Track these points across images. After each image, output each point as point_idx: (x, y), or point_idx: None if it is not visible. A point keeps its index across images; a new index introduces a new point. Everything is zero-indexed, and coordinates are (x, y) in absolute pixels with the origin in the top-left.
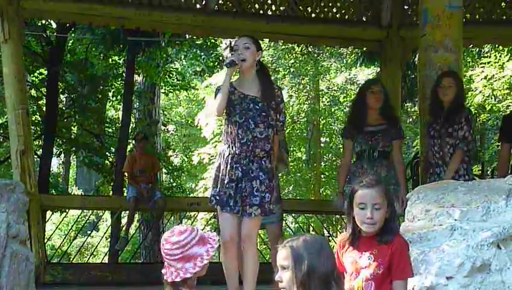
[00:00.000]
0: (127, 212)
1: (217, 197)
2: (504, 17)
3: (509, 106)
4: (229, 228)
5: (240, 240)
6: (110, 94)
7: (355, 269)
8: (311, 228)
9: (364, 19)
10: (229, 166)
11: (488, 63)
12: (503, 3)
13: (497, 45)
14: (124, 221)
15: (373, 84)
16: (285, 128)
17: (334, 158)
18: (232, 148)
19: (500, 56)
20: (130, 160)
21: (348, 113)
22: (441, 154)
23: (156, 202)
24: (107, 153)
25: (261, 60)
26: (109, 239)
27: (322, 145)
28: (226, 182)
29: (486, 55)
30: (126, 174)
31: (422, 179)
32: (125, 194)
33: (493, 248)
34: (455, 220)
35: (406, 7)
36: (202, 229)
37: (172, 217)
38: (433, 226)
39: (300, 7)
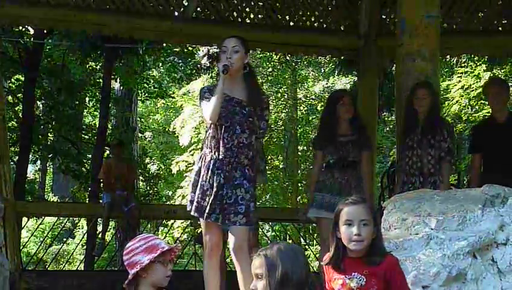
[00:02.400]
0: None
1: (196, 205)
2: (481, 27)
3: (486, 116)
4: (212, 235)
5: (223, 247)
6: (87, 100)
7: None
8: (287, 236)
9: (342, 27)
10: (210, 172)
11: (465, 73)
12: (480, 14)
13: (473, 55)
14: (100, 228)
15: (343, 96)
16: (264, 137)
17: (311, 167)
18: (215, 153)
19: (476, 66)
20: (106, 167)
21: (318, 124)
22: (419, 165)
23: (130, 210)
24: (83, 160)
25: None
26: (85, 246)
27: (299, 153)
28: (206, 188)
29: (463, 65)
30: (102, 180)
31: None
32: (101, 201)
33: (469, 257)
34: (431, 229)
35: (383, 16)
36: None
37: (149, 225)
38: (409, 235)
39: (279, 15)
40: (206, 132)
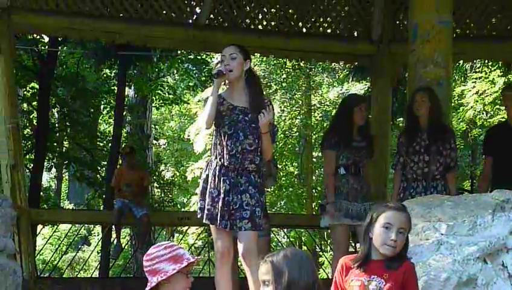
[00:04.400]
0: None
1: (206, 212)
2: (494, 33)
3: (501, 121)
4: (223, 241)
5: (235, 254)
6: (102, 108)
7: None
8: (302, 243)
9: (355, 34)
10: (217, 178)
11: (479, 78)
12: (493, 19)
13: (487, 60)
14: (114, 235)
15: (362, 102)
16: (276, 141)
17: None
18: (221, 159)
19: (491, 71)
20: (118, 174)
21: (331, 125)
22: (425, 170)
23: (140, 218)
24: (98, 167)
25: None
26: (100, 253)
27: (314, 159)
28: (214, 195)
29: (477, 70)
30: (114, 187)
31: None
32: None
33: (479, 262)
34: (442, 234)
35: (396, 22)
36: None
37: (164, 231)
38: (419, 240)
39: (292, 22)
40: (212, 140)
